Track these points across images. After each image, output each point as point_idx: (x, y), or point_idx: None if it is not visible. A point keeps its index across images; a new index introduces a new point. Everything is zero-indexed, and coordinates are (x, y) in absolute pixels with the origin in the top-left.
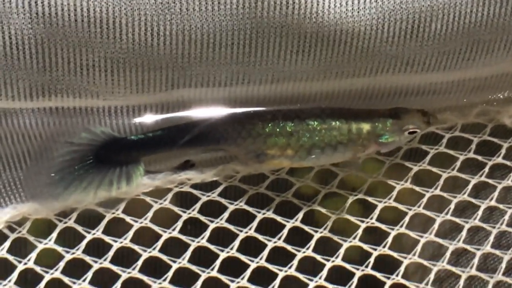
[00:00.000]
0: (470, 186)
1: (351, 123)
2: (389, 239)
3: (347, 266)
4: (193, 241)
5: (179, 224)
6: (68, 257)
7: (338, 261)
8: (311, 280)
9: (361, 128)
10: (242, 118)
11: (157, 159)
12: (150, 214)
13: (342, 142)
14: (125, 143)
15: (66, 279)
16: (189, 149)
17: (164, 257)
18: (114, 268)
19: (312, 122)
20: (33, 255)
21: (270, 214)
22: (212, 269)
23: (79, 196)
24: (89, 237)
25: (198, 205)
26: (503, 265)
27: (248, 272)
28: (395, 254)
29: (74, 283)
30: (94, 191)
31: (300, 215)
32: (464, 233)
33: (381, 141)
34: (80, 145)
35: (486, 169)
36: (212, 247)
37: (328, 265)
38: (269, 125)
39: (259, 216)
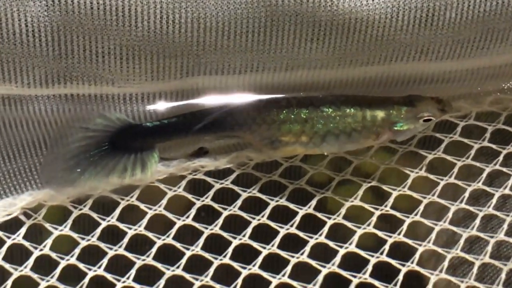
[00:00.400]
0: (484, 175)
1: (365, 110)
2: (404, 227)
3: (362, 252)
4: (206, 228)
5: (193, 211)
6: (83, 243)
7: (352, 247)
8: (324, 266)
9: (375, 115)
10: (257, 105)
11: (172, 146)
12: (164, 202)
13: (356, 129)
14: (140, 129)
15: (81, 266)
16: (203, 135)
17: (178, 245)
18: (129, 255)
19: (327, 109)
20: (49, 241)
21: (283, 202)
22: (225, 256)
23: (94, 182)
24: (104, 224)
25: (211, 193)
26: None
27: (260, 259)
28: (410, 242)
29: (89, 269)
30: (109, 177)
31: (314, 202)
32: (477, 221)
33: (395, 128)
34: (95, 131)
35: (501, 158)
36: (225, 234)
37: (342, 251)
38: (284, 112)
39: (272, 204)
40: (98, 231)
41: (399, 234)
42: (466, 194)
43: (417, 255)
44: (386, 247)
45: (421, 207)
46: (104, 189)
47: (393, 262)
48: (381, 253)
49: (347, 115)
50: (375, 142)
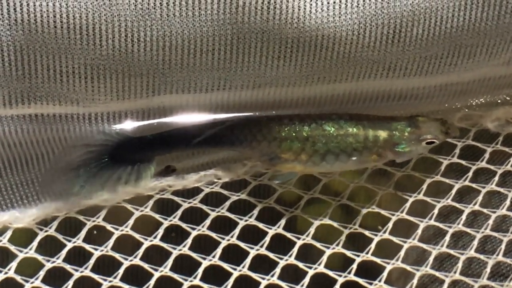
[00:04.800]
0: (454, 191)
1: (368, 130)
2: (372, 245)
3: (330, 273)
4: (175, 248)
5: (160, 231)
6: (48, 265)
7: (321, 268)
8: None
9: (378, 135)
10: (259, 121)
11: (173, 158)
12: (131, 222)
13: (358, 150)
14: (139, 142)
15: None
16: (202, 149)
17: (146, 265)
18: (95, 276)
19: (329, 127)
20: (14, 264)
21: (252, 221)
22: (195, 278)
23: (91, 192)
24: (69, 245)
25: (179, 212)
26: (488, 269)
27: (231, 281)
28: (378, 260)
29: None
30: (105, 187)
31: (283, 221)
32: (447, 238)
33: (397, 150)
34: (95, 146)
35: (470, 174)
36: (194, 255)
37: (311, 272)
38: (286, 129)
39: (241, 223)
40: (63, 252)
41: (367, 252)
42: (436, 211)
43: (385, 273)
44: (354, 266)
45: (390, 225)
46: (102, 199)
47: (361, 281)
48: (349, 273)
49: (349, 135)
50: (376, 163)
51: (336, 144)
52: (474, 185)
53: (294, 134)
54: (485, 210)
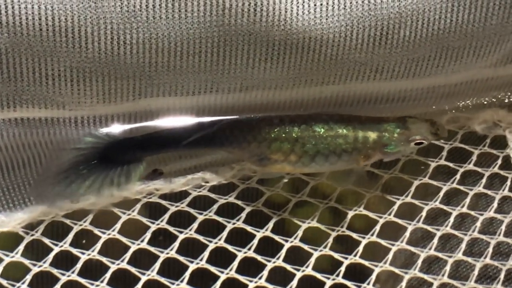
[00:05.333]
0: (441, 193)
1: (358, 131)
2: (360, 248)
3: (318, 275)
4: (162, 252)
5: (148, 235)
6: (35, 269)
7: (309, 270)
8: None
9: (367, 136)
10: (249, 122)
11: (163, 159)
12: (118, 226)
13: (347, 150)
14: (129, 142)
15: None
16: (193, 150)
17: (133, 269)
18: (83, 280)
19: (319, 128)
20: (0, 268)
21: (240, 224)
22: (182, 281)
23: (83, 194)
24: (56, 249)
25: (166, 216)
26: (476, 272)
27: (218, 283)
28: (366, 263)
29: None
30: (96, 189)
31: (270, 224)
32: (435, 240)
33: (386, 150)
34: (85, 149)
35: (458, 176)
36: (181, 258)
37: (299, 275)
38: (276, 130)
39: (229, 226)
40: (50, 256)
41: (355, 255)
42: (424, 213)
43: (373, 276)
44: (342, 268)
45: (378, 227)
46: (94, 201)
47: (349, 283)
48: (337, 275)
49: (338, 136)
50: (365, 163)
51: (325, 145)
52: (461, 188)
53: (284, 135)
54: (472, 213)
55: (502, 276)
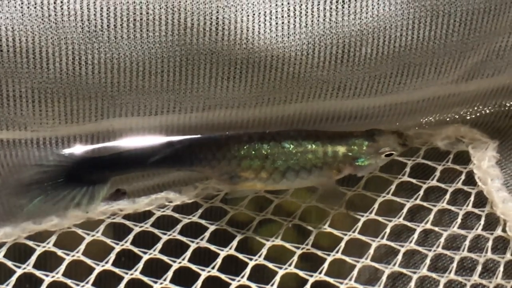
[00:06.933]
0: (405, 210)
1: (327, 146)
2: (325, 265)
3: None
4: (127, 273)
5: (112, 256)
6: None
7: None
8: None
9: (336, 151)
10: (218, 140)
11: (131, 179)
12: (82, 247)
13: (317, 166)
14: (97, 162)
15: None
16: (161, 169)
17: None
18: None
19: (288, 145)
20: None
21: (204, 244)
22: None
23: (45, 212)
24: (19, 271)
25: (130, 236)
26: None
27: None
28: (331, 280)
29: None
30: (60, 207)
31: (235, 243)
32: (400, 256)
33: (357, 164)
34: (49, 166)
35: (421, 192)
36: (145, 279)
37: None
38: (245, 147)
39: (193, 246)
40: (13, 279)
41: (320, 272)
42: (387, 230)
43: None
44: (308, 286)
45: (342, 244)
46: (50, 224)
47: None
48: None
49: (308, 151)
50: (336, 178)
51: (295, 161)
52: (425, 204)
53: (253, 152)
54: (436, 229)
55: None
